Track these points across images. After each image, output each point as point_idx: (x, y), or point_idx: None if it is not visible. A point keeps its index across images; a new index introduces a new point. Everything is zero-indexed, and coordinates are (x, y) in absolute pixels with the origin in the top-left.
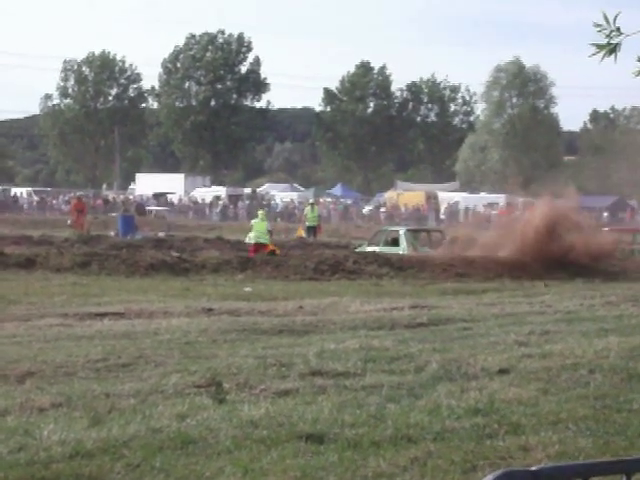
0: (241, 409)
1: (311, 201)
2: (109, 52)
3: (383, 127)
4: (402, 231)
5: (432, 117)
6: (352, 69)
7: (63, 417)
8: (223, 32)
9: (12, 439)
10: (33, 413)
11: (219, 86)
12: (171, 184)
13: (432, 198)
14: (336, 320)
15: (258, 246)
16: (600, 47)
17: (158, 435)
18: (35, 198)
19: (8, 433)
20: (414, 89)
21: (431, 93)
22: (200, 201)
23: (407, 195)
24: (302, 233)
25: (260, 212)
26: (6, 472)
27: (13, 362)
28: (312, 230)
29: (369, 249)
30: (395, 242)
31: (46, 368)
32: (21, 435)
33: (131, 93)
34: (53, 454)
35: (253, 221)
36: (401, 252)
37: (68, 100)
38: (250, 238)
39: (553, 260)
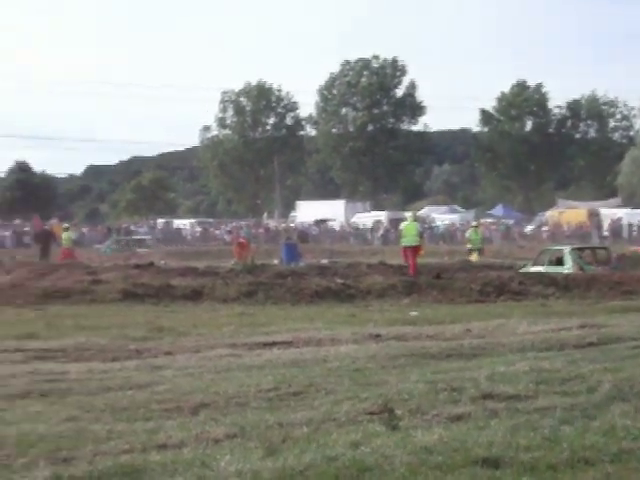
0: (414, 435)
1: (474, 223)
2: (265, 82)
3: (542, 145)
4: (567, 250)
5: (592, 133)
6: (507, 88)
7: (238, 448)
8: (377, 57)
9: (189, 471)
10: (209, 444)
11: (375, 111)
12: (332, 210)
13: (594, 215)
14: (504, 342)
15: (409, 249)
16: None
17: (333, 463)
18: (198, 229)
19: (186, 465)
20: (572, 106)
21: (590, 109)
22: (361, 226)
23: (569, 213)
24: (475, 257)
25: (409, 214)
26: None
27: (186, 394)
28: (476, 252)
29: (533, 269)
30: (560, 261)
31: (219, 399)
32: (198, 467)
33: (288, 121)
34: None
35: (403, 224)
36: (566, 271)
37: (227, 131)
38: (402, 242)
39: None
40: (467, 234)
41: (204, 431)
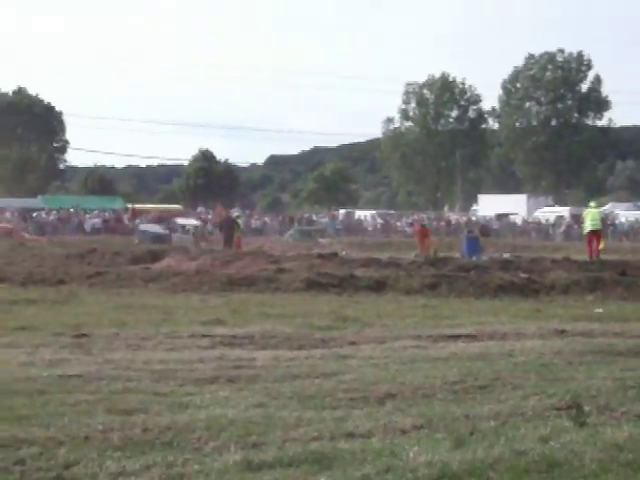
0: (603, 432)
1: None
2: (448, 74)
3: None
4: None
5: None
6: None
7: (425, 439)
8: (562, 51)
9: (379, 460)
10: (396, 434)
11: (559, 105)
12: (513, 204)
13: None
14: None
15: (593, 234)
16: None
17: (523, 458)
18: (379, 221)
19: (374, 454)
20: None
21: None
22: (543, 221)
23: None
24: None
25: (592, 203)
26: None
27: (372, 384)
28: None
29: None
30: None
31: (405, 389)
32: (387, 456)
33: (471, 114)
34: (420, 476)
35: (586, 210)
36: None
37: (409, 123)
38: (585, 228)
39: None
40: None
41: (391, 421)
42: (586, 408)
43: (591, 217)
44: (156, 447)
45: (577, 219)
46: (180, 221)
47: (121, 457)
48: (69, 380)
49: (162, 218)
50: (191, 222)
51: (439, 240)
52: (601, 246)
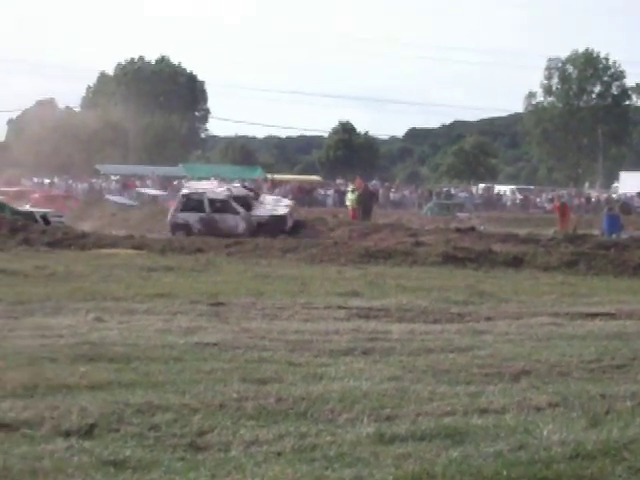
0: None
1: None
2: (592, 50)
3: None
4: None
5: None
6: None
7: (560, 417)
8: None
9: (512, 437)
10: (530, 412)
11: None
12: None
13: None
14: None
15: None
16: None
17: None
18: (518, 196)
19: (508, 431)
20: None
21: None
22: None
23: None
24: None
25: None
26: (508, 469)
27: (508, 360)
28: None
29: None
30: None
31: (540, 367)
32: (521, 434)
33: (614, 91)
34: (553, 454)
35: None
36: None
37: (551, 98)
38: None
39: None
40: None
41: (526, 398)
42: None
43: None
44: (289, 417)
45: None
46: (146, 191)
47: (254, 426)
48: (205, 348)
49: (301, 189)
50: (158, 192)
51: (579, 217)
52: None
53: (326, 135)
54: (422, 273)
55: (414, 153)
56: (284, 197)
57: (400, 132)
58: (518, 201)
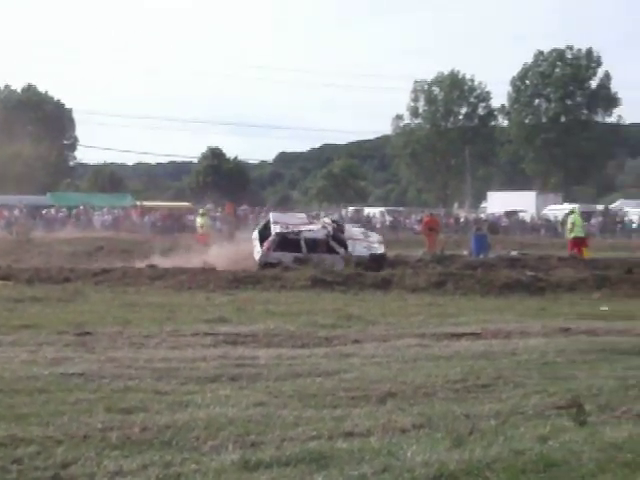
0: (603, 432)
1: None
2: (458, 71)
3: None
4: None
5: None
6: None
7: (424, 438)
8: (571, 48)
9: (376, 459)
10: (395, 434)
11: (569, 102)
12: (523, 202)
13: None
14: None
15: (576, 240)
16: None
17: (521, 457)
18: (388, 218)
19: (372, 453)
20: None
21: None
22: (552, 218)
23: None
24: None
25: (574, 206)
26: None
27: (374, 382)
28: None
29: None
30: None
31: (406, 388)
32: (385, 456)
33: (480, 111)
34: (417, 475)
35: (572, 216)
36: None
37: (419, 120)
38: (571, 233)
39: None
40: None
41: (391, 420)
42: (587, 407)
43: (577, 223)
44: (154, 446)
45: (586, 216)
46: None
47: (119, 456)
48: (70, 378)
49: (169, 215)
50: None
51: (447, 238)
52: (586, 253)
53: (196, 161)
54: (290, 298)
55: (284, 177)
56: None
57: (270, 156)
58: (388, 223)
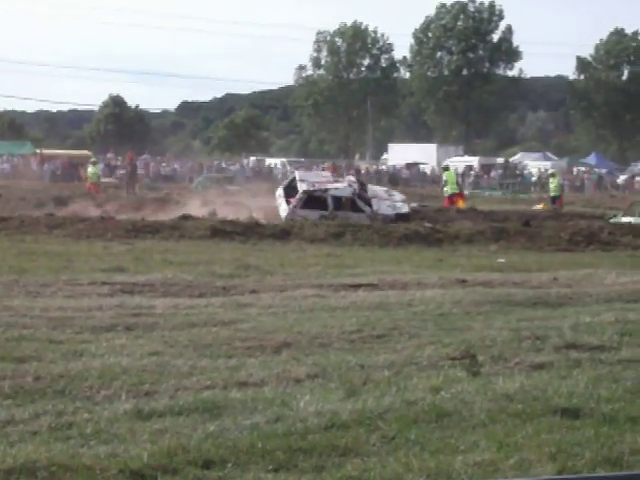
0: (495, 382)
1: (551, 171)
2: (361, 23)
3: (638, 95)
4: None
5: None
6: (605, 36)
7: (319, 388)
8: (474, 1)
9: (270, 409)
10: (289, 384)
11: (471, 55)
12: (423, 154)
13: None
14: (591, 292)
15: (452, 197)
16: None
17: (413, 407)
18: (289, 168)
19: (266, 403)
20: None
21: None
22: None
23: None
24: (546, 206)
25: (449, 165)
26: (264, 442)
27: (270, 332)
28: (556, 200)
29: (624, 220)
30: None
31: (301, 339)
32: (278, 406)
33: (383, 63)
34: (309, 425)
35: (445, 173)
36: None
37: (321, 71)
38: (446, 191)
39: None
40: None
41: (285, 370)
42: (480, 358)
43: (450, 179)
44: (47, 395)
45: (486, 169)
46: None
47: (11, 405)
48: None
49: (70, 164)
50: None
51: None
52: (461, 204)
53: (97, 109)
54: (189, 247)
55: (186, 126)
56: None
57: (172, 105)
58: (289, 174)
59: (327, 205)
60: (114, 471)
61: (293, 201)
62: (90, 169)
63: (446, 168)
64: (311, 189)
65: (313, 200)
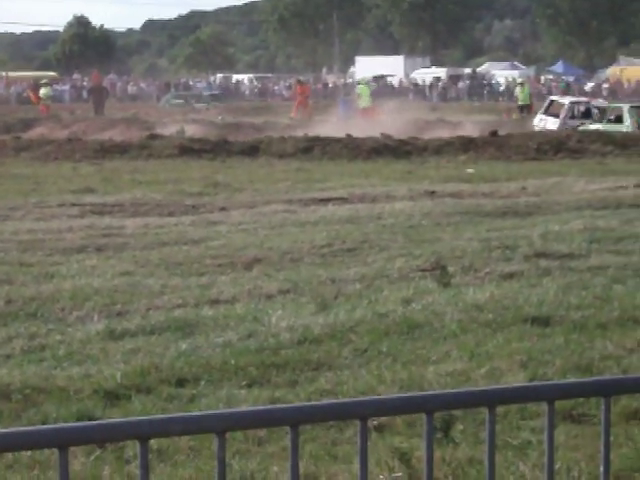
0: (466, 293)
1: (520, 80)
2: None
3: (604, 1)
4: (626, 108)
5: None
6: None
7: (290, 303)
8: None
9: (242, 326)
10: (261, 300)
11: None
12: (391, 66)
13: None
14: (560, 200)
15: (367, 110)
16: None
17: (384, 320)
18: (256, 84)
19: (237, 320)
20: None
21: None
22: (420, 83)
23: (630, 70)
24: (516, 115)
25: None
26: (237, 358)
27: (240, 249)
28: (525, 109)
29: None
30: (619, 119)
31: (272, 255)
32: (250, 322)
33: None
34: (282, 340)
35: (359, 86)
36: (625, 129)
37: None
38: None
39: None
40: (515, 92)
41: (257, 286)
42: (450, 269)
43: (364, 93)
44: (19, 318)
45: (454, 80)
46: None
47: None
48: None
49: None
50: None
51: (316, 103)
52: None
53: (62, 30)
54: (158, 166)
55: (152, 45)
56: None
57: (137, 24)
58: (257, 90)
59: (592, 115)
60: (88, 392)
61: (562, 112)
62: (43, 90)
63: (359, 83)
64: (575, 100)
65: (577, 111)
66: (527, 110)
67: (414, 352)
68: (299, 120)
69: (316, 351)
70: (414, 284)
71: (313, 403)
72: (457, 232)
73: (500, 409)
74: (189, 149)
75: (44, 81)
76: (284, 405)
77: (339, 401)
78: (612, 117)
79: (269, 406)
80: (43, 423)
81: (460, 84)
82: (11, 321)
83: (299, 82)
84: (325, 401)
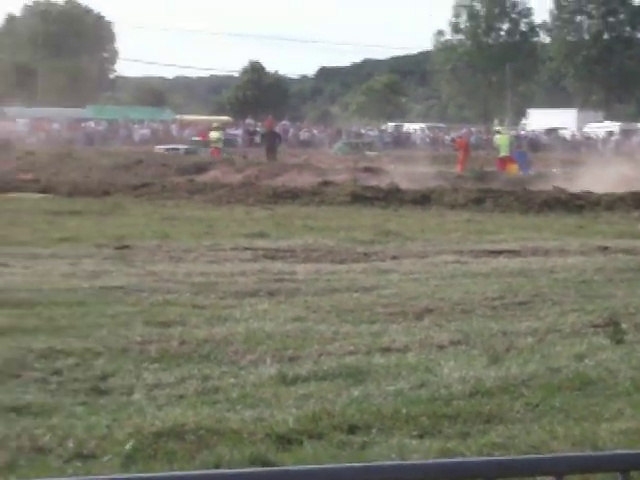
0: (639, 350)
1: None
2: None
3: None
4: None
5: None
6: None
7: (462, 355)
8: None
9: (413, 375)
10: (432, 350)
11: (611, 19)
12: (563, 119)
13: None
14: None
15: (504, 160)
16: None
17: (557, 375)
18: (428, 134)
19: (409, 369)
20: None
21: None
22: (593, 136)
23: None
24: None
25: (500, 128)
26: (408, 407)
27: (411, 298)
28: None
29: None
30: None
31: (443, 305)
32: (422, 372)
33: (522, 28)
34: (453, 391)
35: (498, 136)
36: None
37: (460, 36)
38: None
39: None
40: None
41: (428, 336)
42: (624, 326)
43: (503, 143)
44: (193, 360)
45: (627, 134)
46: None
47: (157, 369)
48: (110, 292)
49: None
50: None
51: (487, 154)
52: (513, 170)
53: (236, 75)
54: (330, 213)
55: (324, 92)
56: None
57: (311, 71)
58: (428, 139)
59: None
60: (261, 435)
61: None
62: (213, 134)
63: (498, 132)
64: None
65: None
66: None
67: (587, 408)
68: (470, 171)
69: (488, 404)
70: (587, 340)
71: (512, 457)
72: (630, 288)
73: None
74: (361, 196)
75: (215, 125)
76: (476, 458)
77: (534, 456)
78: None
79: (459, 459)
80: (216, 465)
81: (633, 139)
82: (184, 362)
83: (454, 140)
84: (520, 456)
